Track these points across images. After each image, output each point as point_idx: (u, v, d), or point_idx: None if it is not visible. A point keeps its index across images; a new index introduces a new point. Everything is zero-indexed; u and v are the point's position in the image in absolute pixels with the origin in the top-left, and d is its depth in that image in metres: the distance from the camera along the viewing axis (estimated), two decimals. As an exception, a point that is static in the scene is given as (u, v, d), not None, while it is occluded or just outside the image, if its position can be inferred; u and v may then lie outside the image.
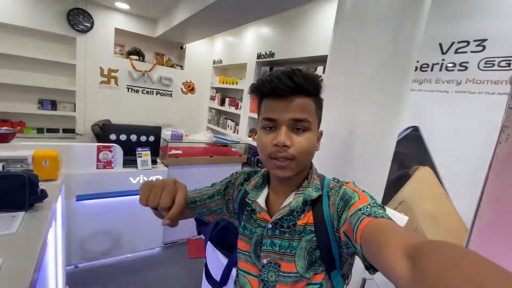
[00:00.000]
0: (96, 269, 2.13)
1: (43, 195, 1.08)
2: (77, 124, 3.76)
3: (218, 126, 4.24)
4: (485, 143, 0.93)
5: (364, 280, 1.21)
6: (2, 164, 1.27)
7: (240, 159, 3.01)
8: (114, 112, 3.94)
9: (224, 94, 4.27)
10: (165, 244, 2.54)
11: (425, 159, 1.31)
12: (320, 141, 0.63)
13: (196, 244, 2.62)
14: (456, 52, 1.18)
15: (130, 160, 2.19)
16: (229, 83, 3.91)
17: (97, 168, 2.06)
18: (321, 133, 0.63)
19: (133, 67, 3.97)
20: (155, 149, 2.38)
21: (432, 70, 1.27)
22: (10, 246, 0.83)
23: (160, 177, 2.32)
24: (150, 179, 2.25)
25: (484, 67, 1.09)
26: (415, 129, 1.34)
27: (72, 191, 1.94)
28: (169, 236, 2.54)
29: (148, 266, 2.25)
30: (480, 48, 1.10)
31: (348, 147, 0.97)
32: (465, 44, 1.15)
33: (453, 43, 1.19)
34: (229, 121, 3.93)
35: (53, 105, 3.66)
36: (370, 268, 0.45)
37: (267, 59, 3.12)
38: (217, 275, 1.20)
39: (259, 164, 3.01)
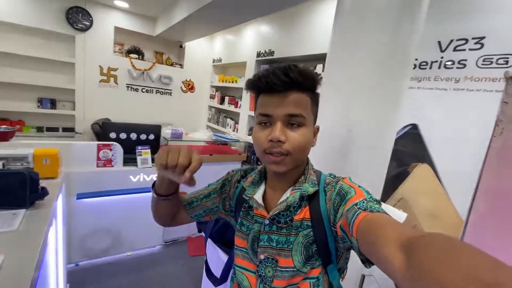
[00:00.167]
0: (97, 267, 2.14)
1: (44, 192, 1.09)
2: (77, 123, 3.76)
3: (217, 125, 4.24)
4: (483, 140, 0.94)
5: (363, 277, 1.22)
6: (2, 162, 1.28)
7: (240, 157, 3.02)
8: (114, 110, 3.94)
9: (224, 93, 4.27)
10: (165, 242, 2.55)
11: (424, 157, 1.31)
12: (317, 137, 0.63)
13: (196, 242, 2.63)
14: (454, 50, 1.19)
15: (130, 159, 2.20)
16: (229, 82, 3.92)
17: (97, 166, 2.06)
18: (318, 129, 0.63)
19: (133, 65, 3.97)
20: (155, 147, 2.39)
21: (431, 68, 1.27)
22: (11, 243, 0.84)
23: (160, 175, 2.34)
24: (150, 177, 2.26)
25: (482, 64, 1.10)
26: (414, 126, 1.35)
27: (72, 189, 1.95)
28: (169, 234, 2.55)
29: (149, 264, 2.26)
30: (479, 46, 1.11)
31: (347, 144, 0.98)
32: (463, 42, 1.15)
33: (451, 41, 1.19)
34: (228, 120, 3.93)
35: (53, 103, 3.66)
36: (366, 262, 0.46)
37: (267, 58, 3.12)
38: (217, 271, 1.21)
39: (259, 162, 3.02)
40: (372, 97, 0.95)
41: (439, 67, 1.24)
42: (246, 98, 3.43)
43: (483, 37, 1.09)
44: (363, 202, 0.49)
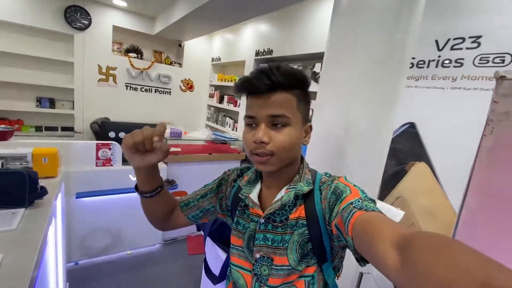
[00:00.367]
0: (96, 265, 2.14)
1: (43, 192, 1.09)
2: (76, 122, 3.76)
3: (217, 124, 4.25)
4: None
5: (361, 275, 1.22)
6: (1, 162, 1.28)
7: (239, 156, 3.03)
8: (113, 110, 3.94)
9: (223, 92, 4.27)
10: (164, 241, 2.55)
11: (421, 155, 1.32)
12: (310, 135, 0.63)
13: (195, 240, 2.64)
14: (452, 48, 1.19)
15: (129, 158, 2.20)
16: (228, 81, 3.92)
17: (96, 165, 2.07)
18: (310, 127, 0.63)
19: (132, 64, 3.97)
20: (154, 146, 2.39)
21: (428, 66, 1.28)
22: (11, 242, 0.84)
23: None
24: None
25: (479, 63, 1.10)
26: (412, 125, 1.35)
27: (71, 188, 1.95)
28: (168, 233, 2.55)
29: (148, 262, 2.27)
30: (475, 44, 1.11)
31: (344, 143, 0.98)
32: (460, 40, 1.16)
33: (449, 39, 1.20)
34: (227, 119, 3.93)
35: (52, 103, 3.66)
36: (361, 260, 0.47)
37: (266, 56, 3.12)
38: (216, 270, 1.21)
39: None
40: (369, 96, 0.95)
41: (437, 66, 1.25)
42: (245, 97, 3.43)
43: (480, 36, 1.10)
44: (359, 201, 0.50)
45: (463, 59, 1.16)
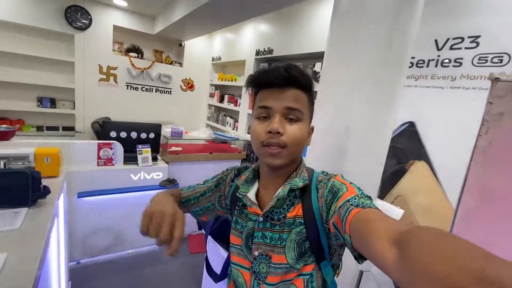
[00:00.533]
0: (98, 265, 2.16)
1: (46, 191, 1.10)
2: (77, 122, 3.77)
3: (217, 123, 4.25)
4: (478, 138, 0.95)
5: (361, 272, 1.23)
6: (3, 162, 1.29)
7: (240, 155, 3.03)
8: (114, 109, 3.95)
9: (223, 91, 4.27)
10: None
11: (421, 154, 1.33)
12: (311, 137, 0.65)
13: (197, 239, 2.65)
14: (451, 48, 1.20)
15: (130, 157, 2.21)
16: (228, 80, 3.92)
17: (98, 165, 2.08)
18: (312, 129, 0.65)
19: (132, 64, 3.97)
20: (156, 146, 2.40)
21: (428, 66, 1.29)
22: (14, 241, 0.85)
23: (161, 174, 2.34)
24: (150, 176, 2.27)
25: (478, 63, 1.11)
26: (411, 124, 1.36)
27: (73, 188, 1.96)
28: (169, 232, 2.56)
29: (150, 261, 2.28)
30: (474, 44, 1.12)
31: (344, 142, 0.99)
32: (459, 40, 1.17)
33: (448, 39, 1.20)
34: (228, 118, 3.94)
35: (52, 103, 3.67)
36: (359, 258, 0.47)
37: (266, 56, 3.12)
38: (217, 268, 1.22)
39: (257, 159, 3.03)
40: (369, 95, 0.96)
41: (436, 65, 1.26)
42: (246, 96, 3.44)
43: (479, 36, 1.11)
44: (355, 199, 0.50)
45: (462, 58, 1.16)
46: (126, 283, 2.01)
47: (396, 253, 0.34)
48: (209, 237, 1.31)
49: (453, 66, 1.19)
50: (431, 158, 1.31)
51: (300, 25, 2.64)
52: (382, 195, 1.44)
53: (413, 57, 1.32)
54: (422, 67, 1.31)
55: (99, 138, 2.81)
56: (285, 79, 0.56)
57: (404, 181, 1.40)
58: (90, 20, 3.58)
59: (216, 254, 1.32)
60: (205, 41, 4.53)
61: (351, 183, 0.57)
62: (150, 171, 2.27)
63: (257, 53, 3.26)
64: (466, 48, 1.15)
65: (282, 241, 0.60)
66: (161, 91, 4.34)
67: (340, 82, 1.01)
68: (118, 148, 2.14)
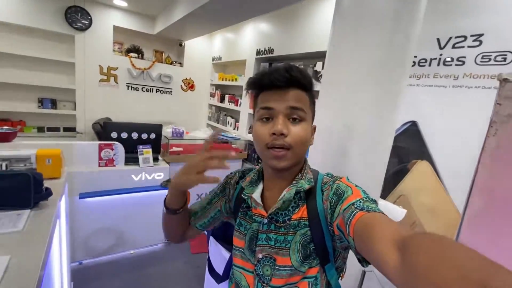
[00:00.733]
0: (100, 265, 2.16)
1: (48, 193, 1.10)
2: (78, 123, 3.77)
3: (218, 123, 4.25)
4: (482, 137, 0.95)
5: (363, 273, 1.23)
6: (5, 163, 1.29)
7: (241, 155, 3.03)
8: (115, 110, 3.95)
9: (224, 91, 4.27)
10: (168, 240, 2.57)
11: (423, 153, 1.32)
12: (314, 136, 0.64)
13: (198, 239, 2.65)
14: (453, 47, 1.19)
15: (131, 158, 2.21)
16: (229, 80, 3.91)
17: (99, 166, 2.08)
18: (314, 128, 0.64)
19: (132, 64, 3.97)
20: (157, 146, 2.40)
21: (430, 65, 1.28)
22: (17, 243, 0.85)
23: (162, 174, 2.34)
24: (152, 176, 2.27)
25: (481, 61, 1.10)
26: (414, 123, 1.35)
27: (75, 189, 1.96)
28: (171, 233, 2.56)
29: (152, 262, 2.28)
30: (477, 43, 1.11)
31: (346, 142, 0.99)
32: (462, 39, 1.16)
33: (450, 38, 1.20)
34: (229, 118, 3.93)
35: (53, 103, 3.67)
36: (363, 261, 0.47)
37: (267, 55, 3.12)
38: (219, 269, 1.22)
39: (260, 161, 3.03)
40: (371, 95, 0.95)
41: (438, 64, 1.25)
42: (246, 96, 3.43)
43: (482, 34, 1.10)
44: (360, 202, 0.50)
45: (465, 57, 1.16)
46: (128, 284, 2.01)
47: (398, 258, 0.34)
48: (211, 238, 1.30)
49: (456, 65, 1.18)
50: (433, 158, 1.30)
51: (300, 25, 2.64)
52: (384, 194, 1.43)
53: (415, 56, 1.32)
54: (424, 66, 1.30)
55: (100, 139, 2.81)
56: (286, 81, 0.56)
57: (406, 180, 1.40)
58: (90, 21, 3.58)
59: (218, 255, 1.31)
60: (206, 41, 4.52)
61: (356, 186, 0.57)
62: (151, 172, 2.27)
63: (258, 52, 3.26)
64: (469, 46, 1.14)
65: (287, 243, 0.59)
66: (162, 91, 4.34)
67: (342, 82, 1.01)
68: (119, 148, 2.14)
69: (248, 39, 3.51)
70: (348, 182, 0.58)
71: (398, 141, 1.36)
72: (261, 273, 0.62)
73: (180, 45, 4.47)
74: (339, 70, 1.02)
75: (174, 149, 2.66)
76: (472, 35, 1.13)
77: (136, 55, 4.05)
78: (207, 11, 2.49)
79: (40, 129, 3.68)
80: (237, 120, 3.71)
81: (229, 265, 1.14)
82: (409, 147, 1.37)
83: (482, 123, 1.08)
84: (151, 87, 4.24)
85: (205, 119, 4.75)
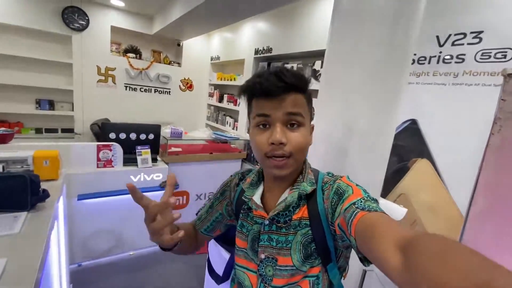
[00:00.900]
0: (100, 267, 2.15)
1: (45, 195, 1.09)
2: (76, 124, 3.76)
3: (217, 123, 4.24)
4: (482, 135, 0.94)
5: (364, 272, 1.23)
6: (2, 165, 1.28)
7: (240, 155, 3.02)
8: (113, 110, 3.93)
9: (223, 91, 4.26)
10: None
11: (423, 152, 1.32)
12: (312, 135, 0.63)
13: (197, 240, 2.63)
14: (453, 44, 1.19)
15: (130, 159, 2.20)
16: (227, 80, 3.90)
17: (98, 167, 2.06)
18: (313, 127, 0.63)
19: (130, 65, 3.96)
20: (155, 147, 2.39)
21: (429, 62, 1.27)
22: (14, 246, 0.84)
23: (161, 175, 2.32)
24: (150, 177, 2.26)
25: (481, 59, 1.10)
26: (413, 122, 1.35)
27: (73, 190, 1.95)
28: (170, 233, 2.55)
29: (151, 263, 2.27)
30: (477, 40, 1.11)
31: (346, 141, 0.98)
32: (461, 36, 1.15)
33: (450, 35, 1.19)
34: (228, 118, 3.92)
35: (51, 105, 3.65)
36: (365, 260, 0.47)
37: (265, 55, 3.11)
38: (219, 269, 1.21)
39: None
40: (371, 94, 0.95)
41: (438, 62, 1.24)
42: (244, 98, 3.42)
43: (481, 31, 1.09)
44: (361, 201, 0.49)
45: (464, 54, 1.15)
46: (128, 285, 2.00)
47: (400, 258, 0.34)
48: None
49: (455, 62, 1.18)
50: (433, 156, 1.30)
51: (299, 23, 2.63)
52: (384, 193, 1.43)
53: (414, 54, 1.31)
54: (423, 63, 1.29)
55: (98, 140, 2.79)
56: (279, 89, 0.54)
57: (406, 179, 1.39)
58: (88, 21, 3.56)
59: (218, 255, 1.31)
60: (204, 40, 4.51)
61: (357, 185, 0.56)
62: (150, 173, 2.26)
63: (256, 52, 3.25)
64: (468, 44, 1.13)
65: (288, 243, 0.59)
66: (160, 92, 4.33)
67: (342, 81, 1.00)
68: (118, 149, 2.12)
69: (247, 39, 3.50)
70: (348, 181, 0.57)
71: (398, 140, 1.35)
72: (264, 273, 0.61)
73: (178, 45, 4.45)
74: (338, 68, 1.01)
75: (173, 149, 2.65)
76: (471, 32, 1.12)
77: (134, 55, 4.03)
78: (204, 10, 2.48)
79: (38, 131, 3.66)
80: (236, 120, 3.70)
81: (229, 265, 1.13)
82: (409, 145, 1.37)
83: (482, 120, 1.08)
84: (149, 88, 4.22)
85: (204, 119, 4.74)
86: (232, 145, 3.28)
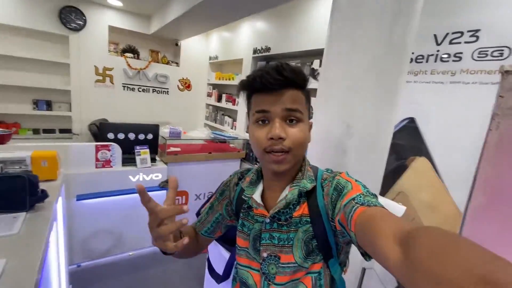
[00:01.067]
0: (99, 267, 2.14)
1: (44, 195, 1.09)
2: (74, 124, 3.74)
3: (215, 123, 4.23)
4: (480, 133, 0.95)
5: (363, 270, 1.23)
6: (0, 166, 1.27)
7: (239, 154, 3.02)
8: (111, 111, 3.92)
9: (221, 90, 4.25)
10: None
11: (422, 150, 1.32)
12: (311, 132, 0.64)
13: (197, 240, 2.63)
14: (450, 43, 1.19)
15: (129, 159, 2.20)
16: (226, 79, 3.90)
17: (96, 167, 2.06)
18: (311, 125, 0.64)
19: (128, 65, 3.94)
20: (154, 147, 2.38)
21: (427, 61, 1.28)
22: (13, 247, 0.84)
23: (160, 175, 2.32)
24: (149, 177, 2.26)
25: (478, 57, 1.11)
26: (411, 120, 1.36)
27: (72, 191, 1.95)
28: (170, 233, 2.54)
29: (151, 263, 2.27)
30: (474, 38, 1.11)
31: (345, 140, 0.98)
32: (459, 34, 1.16)
33: (447, 34, 1.20)
34: (226, 117, 3.92)
35: (49, 105, 3.63)
36: (366, 255, 0.47)
37: (263, 54, 3.11)
38: (219, 269, 1.22)
39: (258, 160, 3.02)
40: (370, 92, 0.95)
41: (435, 61, 1.25)
42: (244, 95, 3.42)
43: (478, 30, 1.10)
44: (360, 197, 0.50)
45: (461, 53, 1.16)
46: (128, 286, 2.00)
47: (400, 252, 0.34)
48: (211, 238, 1.29)
49: (453, 60, 1.18)
50: (431, 154, 1.30)
51: (297, 22, 2.63)
52: (383, 191, 1.43)
53: (412, 53, 1.32)
54: (421, 62, 1.30)
55: (96, 140, 2.79)
56: (279, 83, 0.54)
57: (405, 177, 1.40)
58: (85, 21, 3.54)
59: (218, 255, 1.31)
60: (202, 40, 4.50)
61: (356, 180, 0.56)
62: (149, 173, 2.26)
63: (255, 51, 3.25)
64: (465, 42, 1.14)
65: (290, 240, 0.59)
66: (158, 92, 4.32)
67: (340, 79, 1.00)
68: (116, 149, 2.12)
69: (245, 38, 3.50)
70: (347, 177, 0.58)
71: (396, 138, 1.36)
72: (267, 271, 0.62)
73: (176, 44, 4.44)
74: (337, 67, 1.01)
75: (172, 149, 2.65)
76: (468, 31, 1.13)
77: (131, 55, 4.02)
78: (202, 9, 2.48)
79: (36, 131, 3.64)
80: (234, 120, 3.70)
81: (229, 265, 1.13)
82: (407, 143, 1.38)
83: (479, 118, 1.09)
84: (148, 87, 4.21)
85: (203, 119, 4.74)
86: (231, 145, 3.28)
